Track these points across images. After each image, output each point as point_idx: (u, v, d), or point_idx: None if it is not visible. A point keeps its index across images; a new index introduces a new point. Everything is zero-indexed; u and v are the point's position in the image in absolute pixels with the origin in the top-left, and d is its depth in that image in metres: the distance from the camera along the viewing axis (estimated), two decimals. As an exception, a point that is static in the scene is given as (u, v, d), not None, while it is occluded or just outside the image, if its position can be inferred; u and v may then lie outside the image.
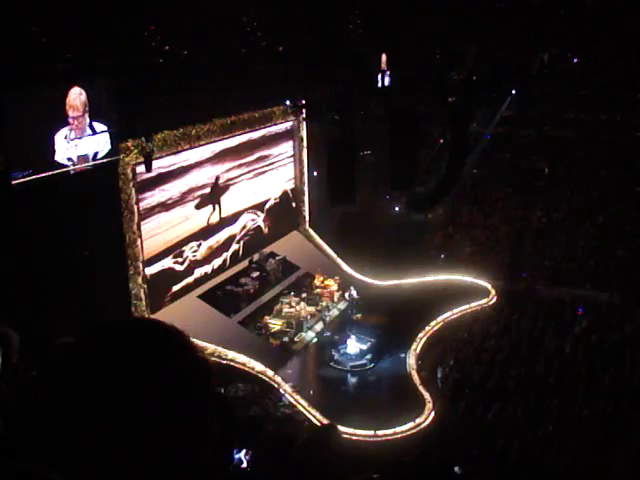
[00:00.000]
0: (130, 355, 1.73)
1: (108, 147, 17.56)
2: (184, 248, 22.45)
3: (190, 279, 22.69)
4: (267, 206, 26.65)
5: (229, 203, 24.50)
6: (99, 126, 17.17)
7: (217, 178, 24.05)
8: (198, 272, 23.06)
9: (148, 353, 1.75)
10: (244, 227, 25.41)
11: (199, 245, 23.10)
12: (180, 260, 22.25)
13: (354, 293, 25.12)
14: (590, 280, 29.04)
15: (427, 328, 23.31)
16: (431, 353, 23.07)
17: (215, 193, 24.05)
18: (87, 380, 1.68)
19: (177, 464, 1.73)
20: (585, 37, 33.34)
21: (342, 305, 25.30)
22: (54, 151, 16.11)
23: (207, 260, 23.50)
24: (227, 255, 24.49)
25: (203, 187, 23.08)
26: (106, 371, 1.68)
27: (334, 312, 24.84)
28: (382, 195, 31.59)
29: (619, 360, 22.70)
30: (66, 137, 16.36)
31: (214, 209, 24.17)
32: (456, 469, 12.82)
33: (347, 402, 20.71)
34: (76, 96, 16.29)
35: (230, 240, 24.68)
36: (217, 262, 24.00)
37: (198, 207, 23.18)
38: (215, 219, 24.15)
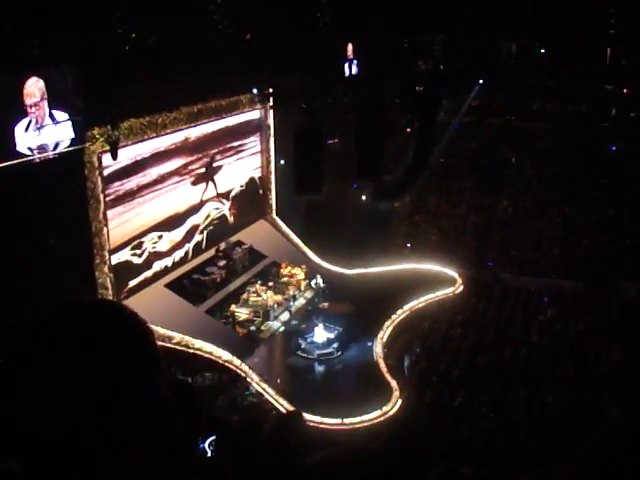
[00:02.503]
0: (82, 340, 1.71)
1: (71, 136, 17.33)
2: (143, 240, 22.10)
3: (149, 273, 22.32)
4: (233, 194, 26.61)
5: (193, 192, 24.39)
6: (60, 115, 16.95)
7: (212, 158, 24.76)
8: (157, 265, 22.71)
9: (100, 338, 1.73)
10: (208, 216, 25.27)
11: (160, 237, 22.81)
12: (138, 252, 21.90)
13: (320, 282, 25.20)
14: (555, 269, 29.38)
15: (394, 317, 23.45)
16: (398, 341, 23.24)
17: (209, 173, 24.49)
18: (39, 367, 1.65)
19: (133, 453, 1.73)
20: (552, 27, 33.53)
21: (309, 294, 25.38)
22: (14, 141, 15.89)
23: (167, 253, 23.20)
24: (189, 247, 24.26)
25: (169, 176, 22.93)
26: (57, 357, 1.65)
27: (301, 301, 24.93)
28: (349, 184, 31.66)
29: (584, 348, 23.02)
30: (28, 127, 16.13)
31: (207, 188, 24.62)
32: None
33: (314, 390, 20.81)
34: (33, 83, 16.04)
35: (193, 231, 24.48)
36: (179, 254, 23.73)
37: (194, 184, 24.02)
38: (211, 194, 24.88)
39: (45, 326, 1.71)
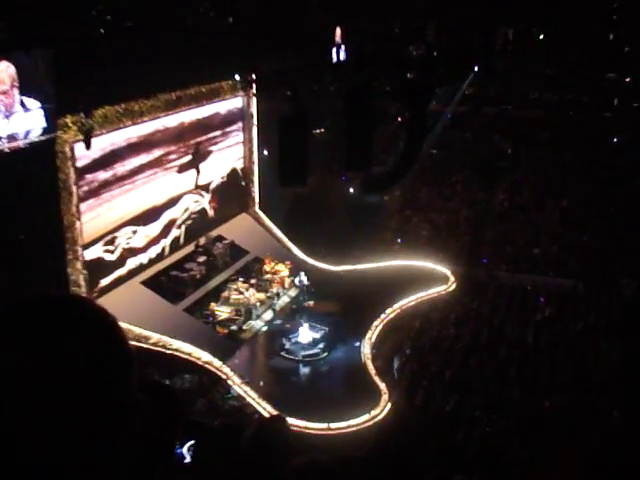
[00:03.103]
0: (43, 337, 1.67)
1: (42, 125, 17.28)
2: (117, 235, 21.83)
3: (122, 271, 22.12)
4: (213, 186, 26.56)
5: (171, 184, 24.30)
6: (31, 102, 16.89)
7: (191, 148, 24.75)
8: (132, 262, 22.54)
9: (63, 334, 1.71)
10: (186, 210, 25.16)
11: (134, 232, 22.58)
12: (111, 249, 21.63)
13: (304, 279, 25.25)
14: (553, 267, 29.47)
15: (383, 316, 23.44)
16: (387, 342, 23.31)
17: (188, 164, 24.57)
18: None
19: (100, 459, 1.72)
20: (551, 12, 33.57)
21: (293, 292, 25.36)
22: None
23: (143, 249, 23.04)
24: (166, 242, 24.13)
25: (146, 167, 22.86)
26: (13, 356, 1.62)
27: (285, 299, 24.91)
28: (337, 176, 31.69)
29: (583, 349, 23.11)
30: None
31: (186, 180, 24.72)
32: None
33: (299, 394, 20.84)
34: (3, 69, 15.96)
35: (170, 225, 24.34)
36: (155, 250, 23.59)
37: (172, 176, 23.97)
38: (190, 186, 24.92)
39: (4, 321, 1.69)
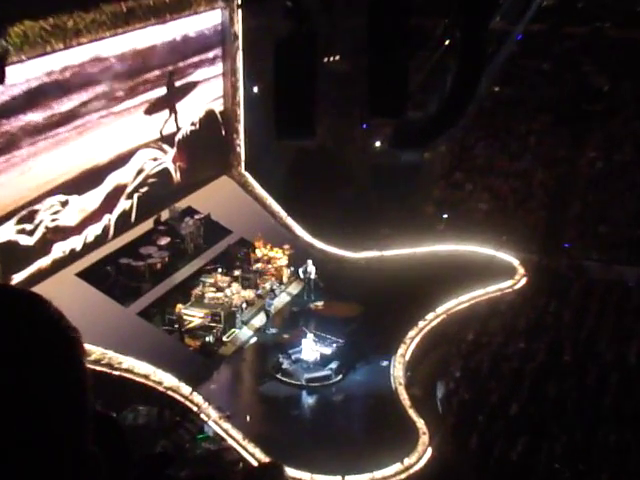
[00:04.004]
0: None
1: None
2: (37, 208, 21.60)
3: (46, 260, 22.02)
4: (180, 138, 26.59)
5: (118, 134, 24.15)
6: None
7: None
8: (61, 248, 22.46)
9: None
10: (140, 172, 25.18)
11: (64, 203, 22.44)
12: (29, 228, 21.37)
13: (312, 270, 25.27)
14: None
15: (422, 324, 23.53)
16: (428, 361, 23.39)
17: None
18: None
19: None
20: None
21: (294, 288, 25.61)
22: None
23: (76, 228, 22.97)
24: (111, 219, 24.13)
25: (82, 110, 22.73)
26: None
27: (283, 298, 25.14)
28: (357, 124, 31.60)
29: None
30: None
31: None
32: None
33: (302, 433, 20.96)
34: None
35: (117, 194, 24.31)
36: (94, 231, 23.56)
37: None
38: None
39: None
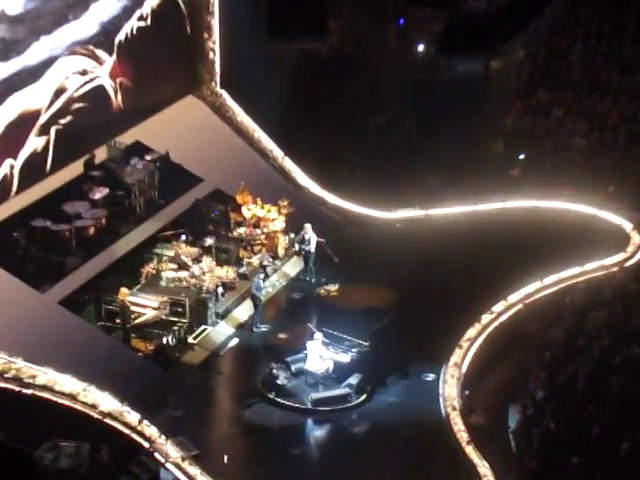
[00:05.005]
0: None
1: None
2: None
3: None
4: (121, 40, 26.56)
5: (21, 32, 23.91)
6: None
7: None
8: None
9: None
10: (60, 92, 25.10)
11: None
12: None
13: (312, 239, 25.26)
14: None
15: (486, 319, 23.48)
16: (495, 374, 23.30)
17: None
18: None
19: None
20: None
21: (295, 265, 25.73)
22: None
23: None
24: (14, 166, 24.15)
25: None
26: None
27: (276, 281, 25.26)
28: (389, 18, 31.52)
29: None
30: None
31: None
32: None
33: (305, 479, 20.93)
34: None
35: (23, 127, 24.31)
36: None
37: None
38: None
39: None
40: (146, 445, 20.04)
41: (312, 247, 24.95)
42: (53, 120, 24.68)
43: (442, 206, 26.71)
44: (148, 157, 25.57)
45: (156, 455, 19.98)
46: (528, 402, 22.76)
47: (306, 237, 25.02)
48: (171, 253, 24.32)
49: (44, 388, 20.26)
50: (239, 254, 24.93)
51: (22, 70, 24.01)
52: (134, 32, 26.37)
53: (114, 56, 25.89)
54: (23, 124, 23.89)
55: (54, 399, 20.24)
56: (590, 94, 32.92)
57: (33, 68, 24.23)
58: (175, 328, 23.02)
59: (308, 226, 25.12)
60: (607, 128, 31.89)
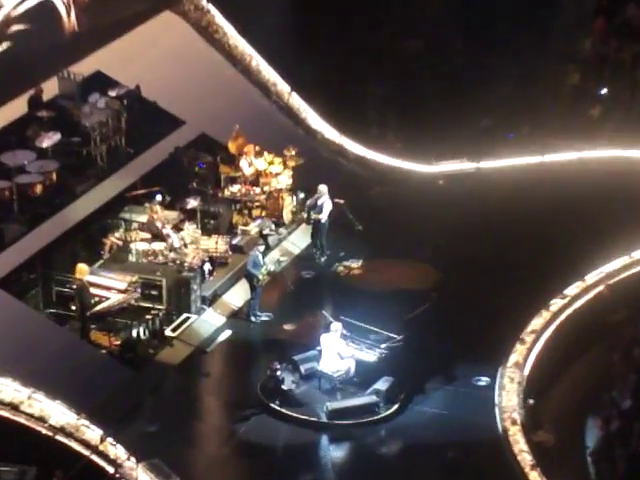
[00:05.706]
0: None
1: None
2: None
3: None
4: None
5: None
6: None
7: None
8: None
9: None
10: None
11: None
12: None
13: (325, 204, 25.14)
14: None
15: (556, 304, 23.59)
16: (568, 377, 23.39)
17: None
18: None
19: None
20: None
21: (305, 235, 25.85)
22: None
23: None
24: None
25: None
26: None
27: (283, 254, 25.46)
28: None
29: None
30: None
31: None
32: None
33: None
34: None
35: None
36: None
37: None
38: None
39: None
40: (110, 470, 20.16)
41: (324, 216, 24.79)
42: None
43: (498, 157, 26.67)
44: (112, 93, 25.55)
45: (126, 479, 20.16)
46: (611, 414, 22.87)
47: (319, 203, 24.88)
48: (143, 219, 24.29)
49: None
50: (232, 220, 24.94)
51: None
52: None
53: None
54: None
55: (-8, 415, 20.42)
56: None
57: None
58: (148, 317, 23.07)
59: (323, 188, 24.99)
60: None
